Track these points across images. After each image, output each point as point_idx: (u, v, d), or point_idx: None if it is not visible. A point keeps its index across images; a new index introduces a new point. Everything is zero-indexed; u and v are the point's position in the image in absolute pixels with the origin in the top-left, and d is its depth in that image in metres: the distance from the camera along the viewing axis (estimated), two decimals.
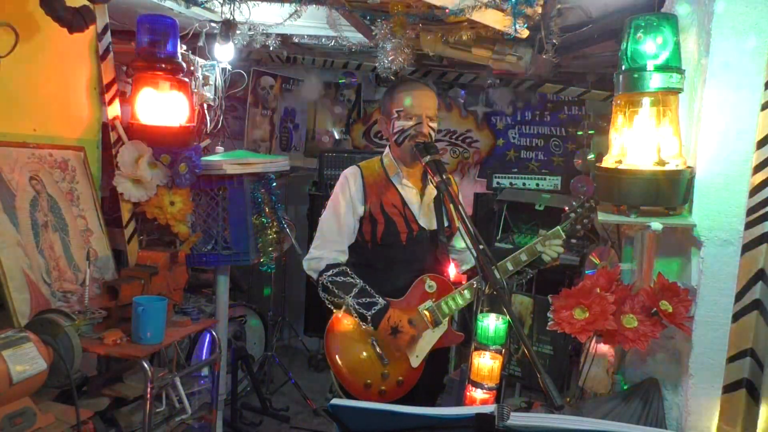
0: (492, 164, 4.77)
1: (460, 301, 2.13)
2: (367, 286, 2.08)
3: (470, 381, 2.16)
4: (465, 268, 2.35)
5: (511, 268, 2.11)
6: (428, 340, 2.13)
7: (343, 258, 2.18)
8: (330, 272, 2.10)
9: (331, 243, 2.17)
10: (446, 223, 2.24)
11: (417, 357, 2.11)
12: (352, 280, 2.09)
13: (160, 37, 2.60)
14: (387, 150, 2.28)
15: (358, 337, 2.12)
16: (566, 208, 2.14)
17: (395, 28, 2.80)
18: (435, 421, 1.15)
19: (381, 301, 2.06)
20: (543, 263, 2.15)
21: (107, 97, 2.57)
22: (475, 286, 2.09)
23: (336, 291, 2.08)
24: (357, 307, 2.04)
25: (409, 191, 2.21)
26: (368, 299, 2.05)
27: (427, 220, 2.21)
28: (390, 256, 2.18)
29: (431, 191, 2.23)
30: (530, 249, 2.11)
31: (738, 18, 1.70)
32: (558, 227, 2.11)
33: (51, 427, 1.72)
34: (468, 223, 1.85)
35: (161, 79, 2.64)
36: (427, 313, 2.12)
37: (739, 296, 1.73)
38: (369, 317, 2.03)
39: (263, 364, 4.09)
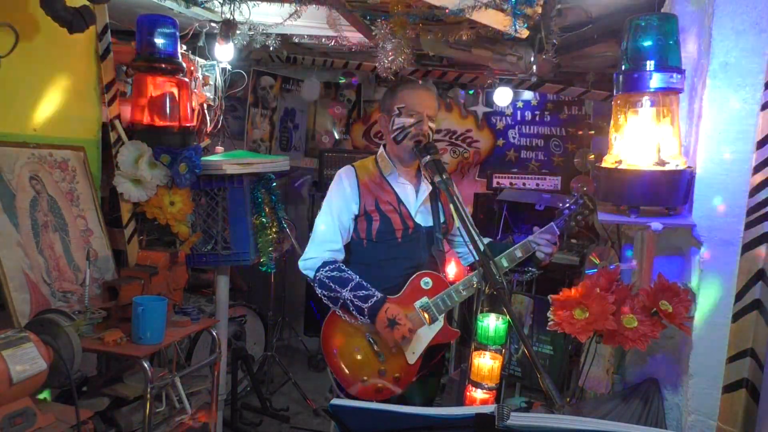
0: (492, 164, 4.77)
1: (456, 298, 2.13)
2: (363, 281, 2.09)
3: (470, 381, 2.16)
4: (468, 262, 2.36)
5: (506, 264, 2.12)
6: (424, 336, 2.13)
7: (340, 257, 2.19)
8: (326, 268, 2.11)
9: (326, 242, 2.18)
10: (442, 220, 2.24)
11: (413, 353, 2.11)
12: (348, 275, 2.09)
13: (160, 37, 2.60)
14: (381, 150, 2.28)
15: (354, 334, 2.12)
16: (560, 204, 2.15)
17: (395, 28, 2.81)
18: (435, 421, 1.15)
19: (378, 294, 2.06)
20: (538, 261, 2.16)
21: (107, 97, 2.57)
22: (474, 284, 2.09)
23: (332, 285, 2.08)
24: (354, 299, 2.04)
25: (404, 188, 2.22)
26: (365, 292, 2.06)
27: (423, 218, 2.22)
28: (385, 253, 2.18)
29: (427, 188, 2.24)
30: (525, 245, 2.13)
31: (738, 18, 1.70)
32: (552, 223, 2.12)
33: (51, 427, 1.72)
34: (468, 222, 1.85)
35: (161, 79, 2.64)
36: (422, 310, 2.12)
37: (739, 296, 1.73)
38: (366, 309, 2.03)
39: (263, 364, 4.09)
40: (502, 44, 3.15)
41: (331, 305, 2.12)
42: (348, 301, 2.05)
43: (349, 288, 2.06)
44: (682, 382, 1.88)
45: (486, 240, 2.16)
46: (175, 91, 2.68)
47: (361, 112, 5.11)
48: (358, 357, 2.11)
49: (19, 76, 2.22)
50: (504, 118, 4.79)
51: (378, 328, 2.05)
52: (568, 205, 2.13)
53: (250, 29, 3.09)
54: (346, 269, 2.12)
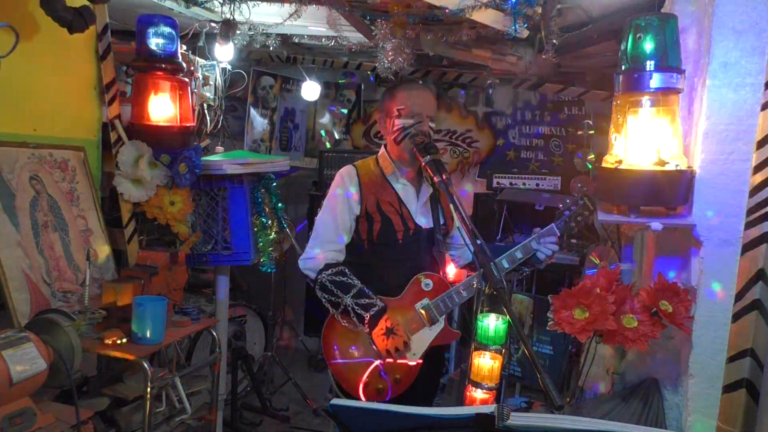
0: (492, 164, 4.77)
1: (456, 299, 2.13)
2: (365, 288, 2.08)
3: (470, 381, 2.16)
4: (463, 263, 2.36)
5: (507, 265, 2.12)
6: (425, 337, 2.13)
7: (341, 257, 2.18)
8: (329, 271, 2.10)
9: (327, 243, 2.17)
10: (442, 221, 2.24)
11: (414, 355, 2.12)
12: (350, 280, 2.09)
13: (160, 37, 2.60)
14: (382, 150, 2.28)
15: (355, 335, 2.12)
16: (560, 205, 2.15)
17: (395, 28, 2.81)
18: (435, 421, 1.15)
19: (379, 302, 2.06)
20: (539, 261, 2.16)
21: (107, 97, 2.56)
22: (474, 285, 2.09)
23: (334, 290, 2.08)
24: (355, 307, 2.04)
25: (405, 189, 2.22)
26: (366, 300, 2.05)
27: (423, 219, 2.22)
28: (386, 254, 2.18)
29: (428, 189, 2.23)
30: (525, 246, 2.12)
31: (738, 18, 1.69)
32: (552, 224, 2.12)
33: (51, 427, 1.72)
34: (467, 222, 1.85)
35: (161, 79, 2.64)
36: (423, 311, 2.12)
37: (739, 296, 1.73)
38: (367, 317, 2.03)
39: (263, 364, 4.09)
40: (502, 44, 3.15)
41: (331, 309, 2.12)
42: (349, 308, 2.05)
43: (351, 294, 2.06)
44: (682, 382, 1.88)
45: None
46: (175, 91, 2.68)
47: (361, 112, 5.11)
48: (359, 358, 2.11)
49: (19, 76, 2.22)
50: (504, 118, 4.79)
51: (374, 335, 2.05)
52: (568, 206, 2.13)
53: (250, 29, 3.09)
54: (349, 273, 2.11)
